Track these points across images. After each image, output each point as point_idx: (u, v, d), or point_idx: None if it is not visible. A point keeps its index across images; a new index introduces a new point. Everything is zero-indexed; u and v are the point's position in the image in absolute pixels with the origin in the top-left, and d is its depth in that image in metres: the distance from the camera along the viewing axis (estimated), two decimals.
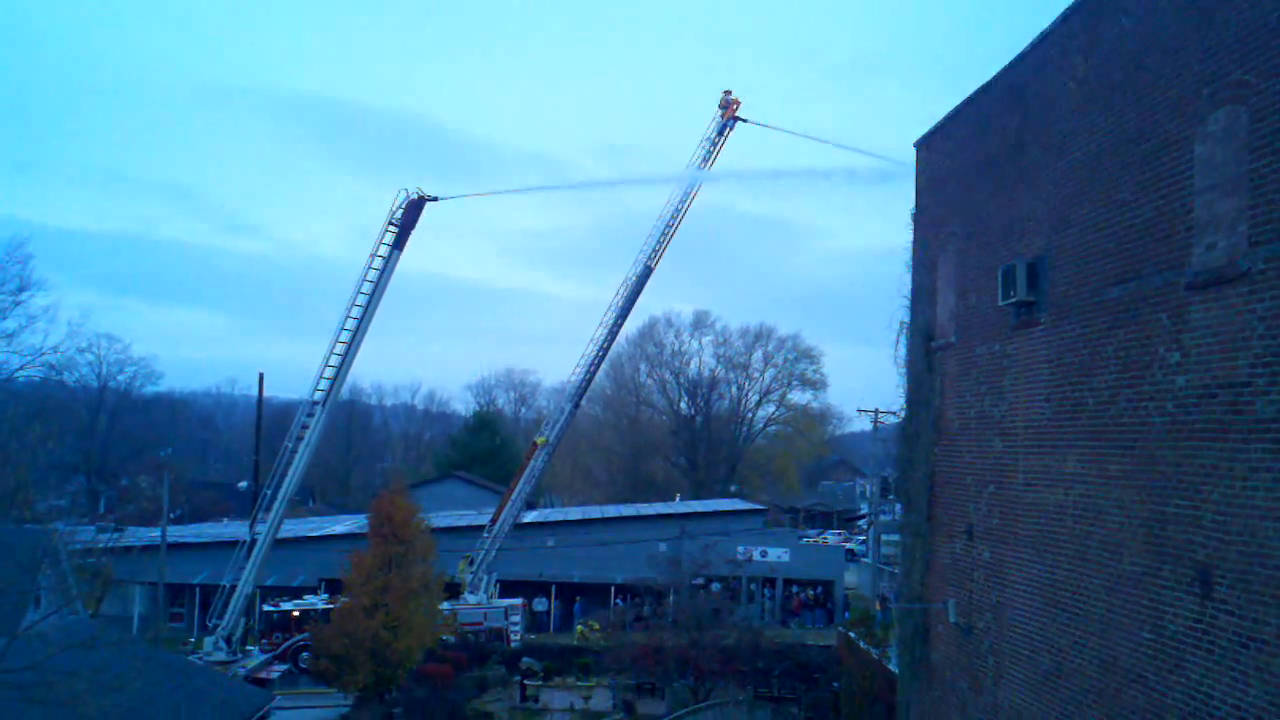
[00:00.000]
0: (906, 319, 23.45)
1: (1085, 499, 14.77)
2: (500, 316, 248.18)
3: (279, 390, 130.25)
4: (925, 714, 21.43)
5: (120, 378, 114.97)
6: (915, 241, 22.91)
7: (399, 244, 47.26)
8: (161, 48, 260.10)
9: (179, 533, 68.67)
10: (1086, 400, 14.77)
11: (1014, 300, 16.81)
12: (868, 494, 69.64)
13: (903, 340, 23.68)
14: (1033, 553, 16.48)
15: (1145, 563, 13.13)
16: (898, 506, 27.13)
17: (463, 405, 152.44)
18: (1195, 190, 12.38)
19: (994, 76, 18.57)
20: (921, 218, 22.68)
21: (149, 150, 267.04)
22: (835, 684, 40.30)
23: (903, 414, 24.04)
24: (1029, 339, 16.84)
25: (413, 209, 47.19)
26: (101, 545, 52.86)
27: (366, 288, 46.96)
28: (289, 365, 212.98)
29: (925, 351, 21.83)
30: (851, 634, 40.53)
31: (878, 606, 48.59)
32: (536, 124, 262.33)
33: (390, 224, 47.09)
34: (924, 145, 22.48)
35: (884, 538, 54.89)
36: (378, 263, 47.01)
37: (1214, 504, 11.79)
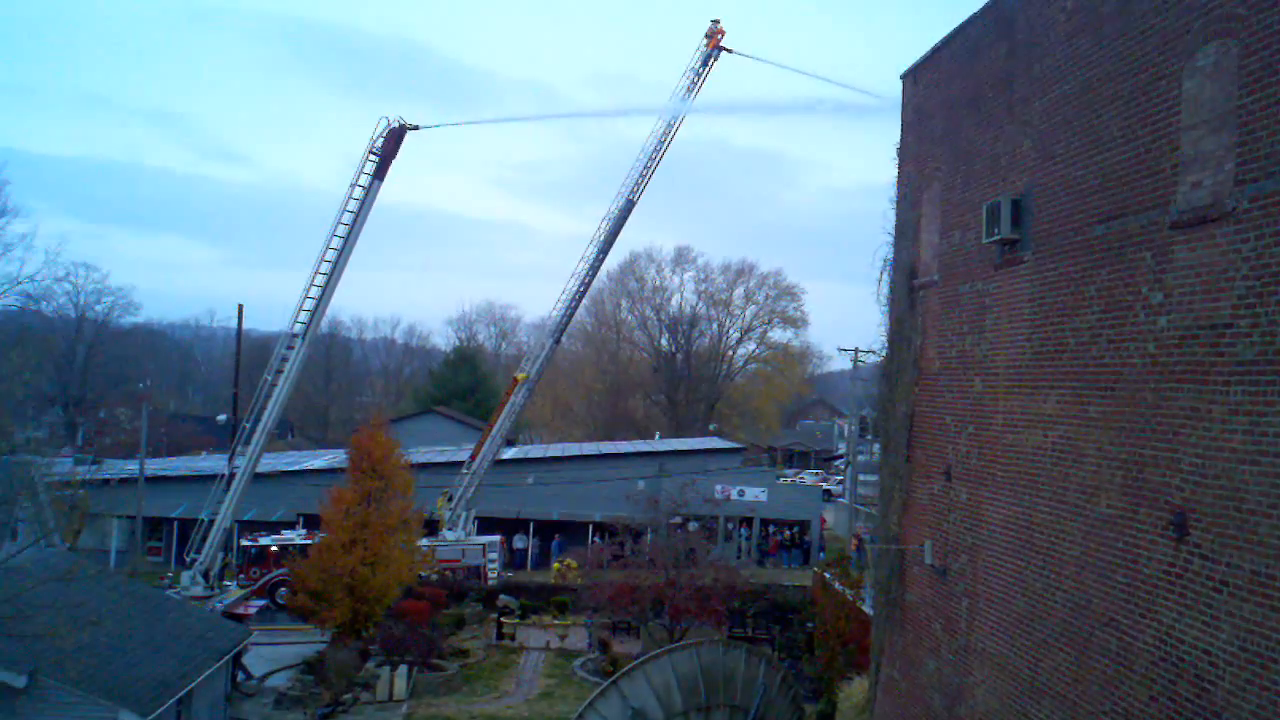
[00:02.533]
0: (890, 256, 23.19)
1: (1064, 441, 14.63)
2: (486, 249, 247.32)
3: (260, 323, 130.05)
4: (898, 655, 21.44)
5: (98, 308, 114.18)
6: (900, 177, 22.59)
7: (379, 174, 46.68)
8: None
9: (157, 465, 68.42)
10: (1068, 340, 14.57)
11: (998, 238, 16.56)
12: (846, 434, 69.64)
13: (885, 278, 23.43)
14: (1010, 494, 16.36)
15: (1122, 506, 13.01)
16: (875, 447, 27.04)
17: (443, 340, 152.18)
18: (1182, 126, 12.10)
19: (982, 6, 18.18)
20: (906, 152, 22.34)
21: (136, 75, 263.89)
22: (810, 624, 40.52)
23: (883, 353, 23.87)
24: (1012, 277, 16.62)
25: (393, 138, 46.56)
26: (79, 477, 52.77)
27: (346, 218, 46.40)
28: (271, 297, 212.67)
29: (908, 289, 21.60)
30: (826, 574, 40.68)
31: (853, 547, 48.80)
32: (531, 52, 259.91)
33: (371, 153, 46.47)
34: (910, 77, 22.08)
35: (861, 478, 54.93)
36: (358, 193, 46.43)
37: (1192, 447, 11.63)
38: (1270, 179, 10.55)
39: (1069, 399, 14.50)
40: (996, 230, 16.50)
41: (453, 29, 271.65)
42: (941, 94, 20.23)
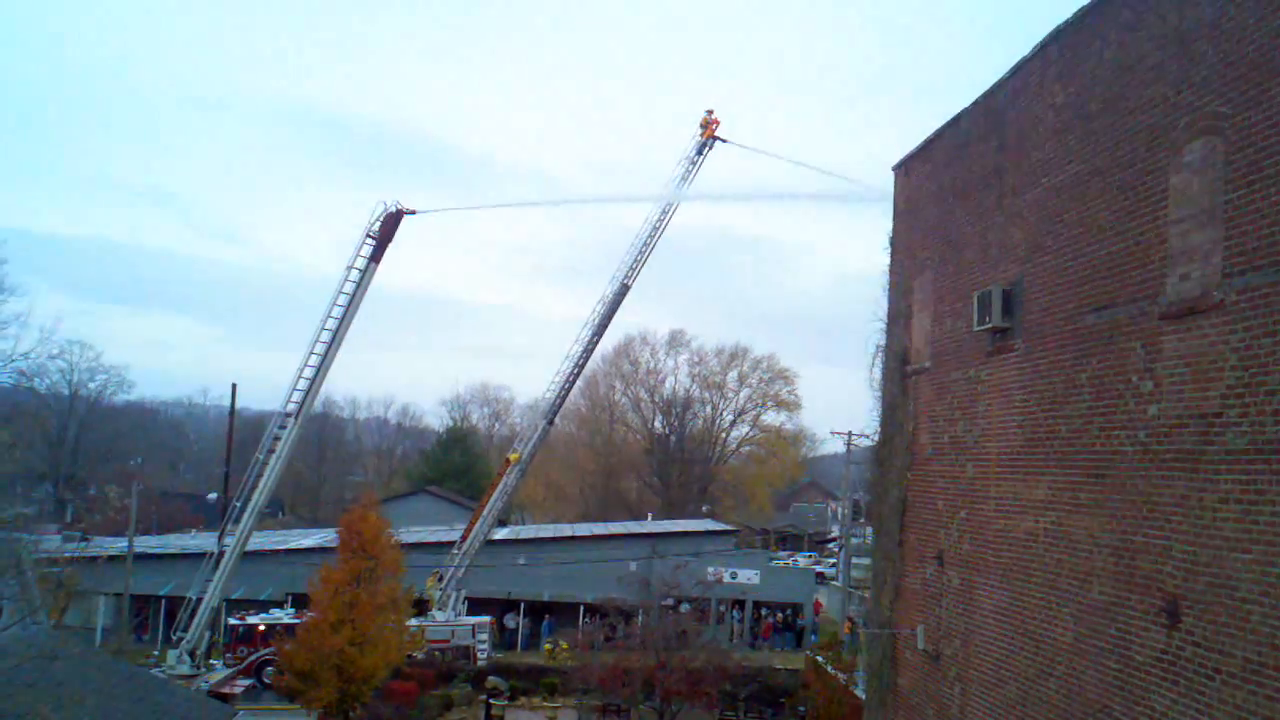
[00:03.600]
0: (882, 342, 23.42)
1: (1055, 527, 14.72)
2: (482, 331, 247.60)
3: (253, 401, 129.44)
4: None
5: (91, 385, 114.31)
6: (892, 265, 22.90)
7: (375, 256, 47.17)
8: (151, 52, 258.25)
9: (146, 543, 67.94)
10: (1059, 427, 14.73)
11: (989, 325, 16.78)
12: (839, 516, 69.63)
13: (878, 363, 23.67)
14: (1002, 580, 16.41)
15: (1114, 592, 13.08)
16: (869, 530, 27.08)
17: (436, 420, 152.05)
18: (1170, 220, 12.37)
19: (973, 102, 18.58)
20: (898, 241, 22.67)
21: (138, 156, 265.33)
22: (801, 708, 40.20)
23: (876, 437, 24.01)
24: (1003, 365, 16.81)
25: (390, 222, 47.12)
26: (67, 554, 52.49)
27: (342, 300, 46.83)
28: (265, 377, 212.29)
29: (900, 375, 21.80)
30: (819, 658, 40.49)
31: (846, 630, 48.56)
32: (531, 139, 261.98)
33: (368, 236, 47.02)
34: (902, 169, 22.48)
35: (855, 560, 54.85)
36: (354, 275, 46.91)
37: (1183, 534, 11.74)
38: (1257, 272, 10.78)
39: (1060, 485, 14.62)
40: (988, 318, 16.73)
41: (453, 115, 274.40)
42: (933, 185, 20.60)
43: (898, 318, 22.27)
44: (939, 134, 20.28)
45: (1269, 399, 10.47)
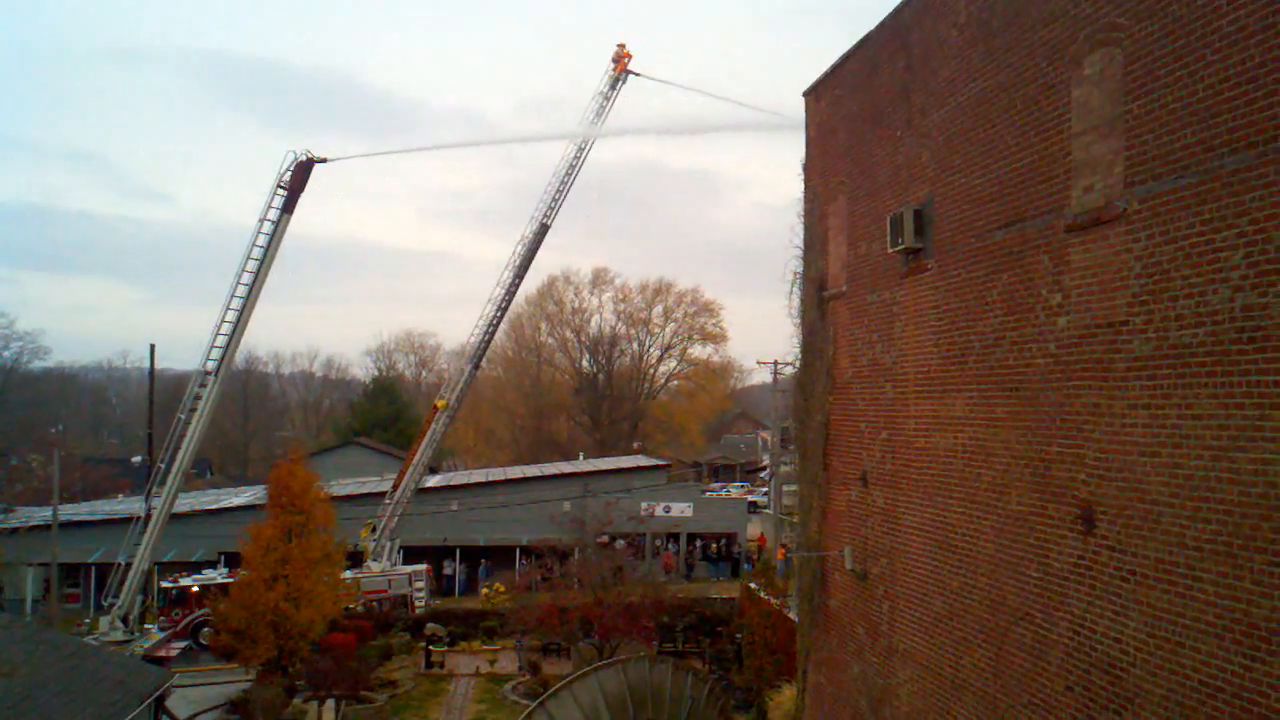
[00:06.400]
0: (800, 269, 23.50)
1: (973, 442, 14.95)
2: (414, 279, 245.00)
3: (177, 361, 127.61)
4: (824, 661, 21.67)
5: (6, 353, 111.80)
6: (806, 191, 22.94)
7: (288, 207, 46.43)
8: (68, 5, 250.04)
9: (72, 511, 66.94)
10: (973, 344, 14.91)
11: (902, 247, 16.90)
12: (769, 445, 70.28)
13: (796, 291, 23.74)
14: (924, 497, 16.66)
15: (1032, 502, 13.33)
16: (795, 459, 27.35)
17: (362, 371, 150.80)
18: (1073, 133, 12.48)
19: (879, 23, 18.58)
20: (811, 167, 22.70)
21: (55, 116, 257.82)
22: (738, 635, 40.72)
23: (798, 365, 24.16)
24: (917, 285, 16.96)
25: (301, 171, 46.38)
26: None
27: (257, 253, 46.12)
28: (192, 337, 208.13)
29: (818, 301, 21.92)
30: (753, 585, 40.97)
31: (779, 557, 49.17)
32: (461, 80, 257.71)
33: (279, 186, 46.24)
34: (813, 94, 22.45)
35: (785, 488, 55.43)
36: (267, 227, 46.15)
37: (1095, 442, 11.97)
38: (1157, 180, 10.93)
39: (976, 401, 14.83)
40: (900, 240, 16.84)
41: (381, 60, 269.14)
42: (843, 109, 20.60)
43: (814, 244, 22.36)
44: (847, 57, 20.26)
45: (1172, 305, 10.65)
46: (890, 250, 17.34)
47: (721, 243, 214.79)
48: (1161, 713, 10.75)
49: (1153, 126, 11.06)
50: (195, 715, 38.31)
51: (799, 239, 23.44)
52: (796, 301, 23.72)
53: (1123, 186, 11.50)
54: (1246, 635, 9.65)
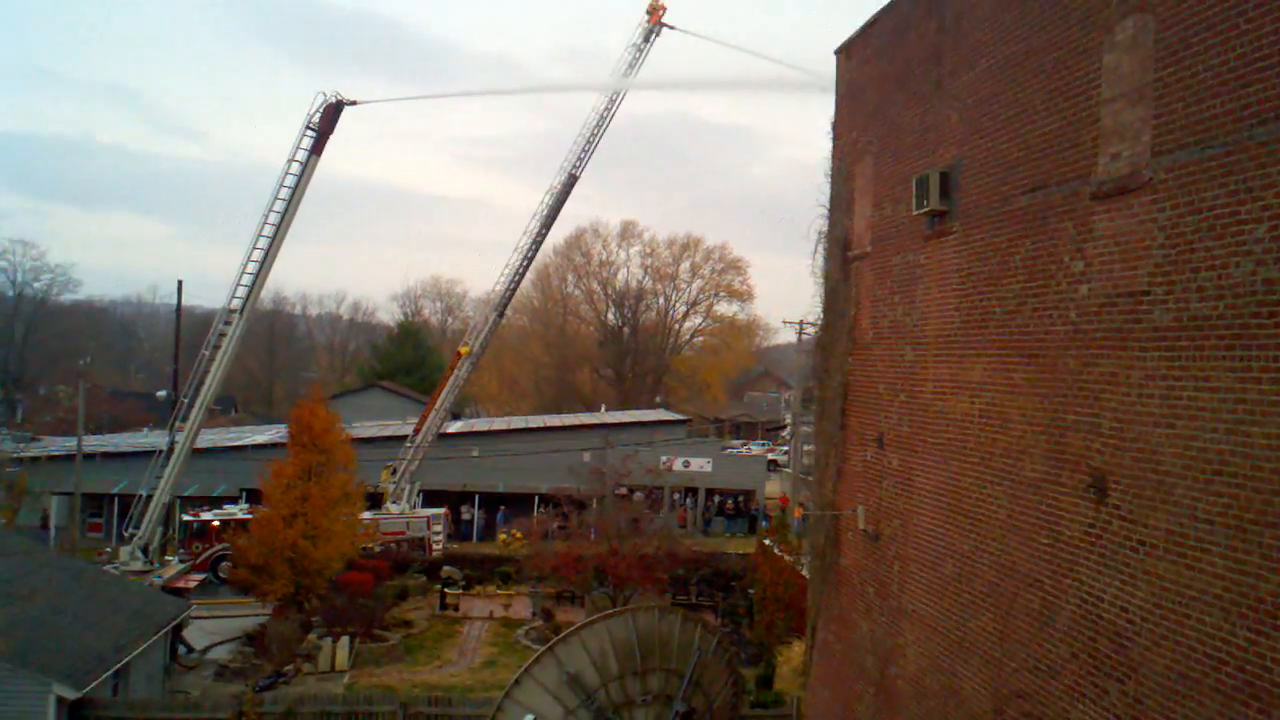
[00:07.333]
0: (825, 229, 23.41)
1: (990, 407, 14.93)
2: (439, 225, 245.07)
3: (207, 299, 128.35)
4: (833, 619, 21.79)
5: (36, 285, 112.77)
6: (834, 150, 22.79)
7: (316, 149, 46.55)
8: None
9: (97, 442, 67.74)
10: (994, 309, 14.86)
11: (927, 209, 16.80)
12: (791, 404, 70.29)
13: (821, 250, 23.66)
14: (939, 460, 16.68)
15: (1045, 469, 13.33)
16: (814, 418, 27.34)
17: (388, 316, 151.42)
18: (1102, 99, 12.36)
19: None
20: (840, 126, 22.54)
21: (90, 49, 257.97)
22: (751, 591, 40.97)
23: (820, 324, 24.12)
24: (941, 248, 16.88)
25: (330, 113, 46.47)
26: (17, 454, 52.19)
27: (284, 193, 46.28)
28: (222, 274, 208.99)
29: (842, 261, 21.85)
30: (768, 541, 41.16)
31: (796, 516, 49.33)
32: (498, 25, 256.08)
33: (308, 128, 46.35)
34: (844, 53, 22.26)
35: (805, 448, 55.50)
36: (295, 168, 46.27)
37: (1111, 411, 11.94)
38: (1184, 150, 10.83)
39: (995, 366, 14.80)
40: (926, 202, 16.74)
41: (419, 2, 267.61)
42: (873, 69, 20.44)
43: (840, 204, 22.25)
44: (879, 16, 20.06)
45: (1193, 276, 10.58)
46: (915, 212, 17.24)
47: (753, 199, 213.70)
48: (1166, 683, 10.79)
49: (1182, 94, 10.94)
50: (211, 646, 38.95)
51: (825, 199, 23.35)
52: (820, 261, 23.65)
53: (1149, 155, 11.41)
54: (1253, 609, 9.65)
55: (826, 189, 23.31)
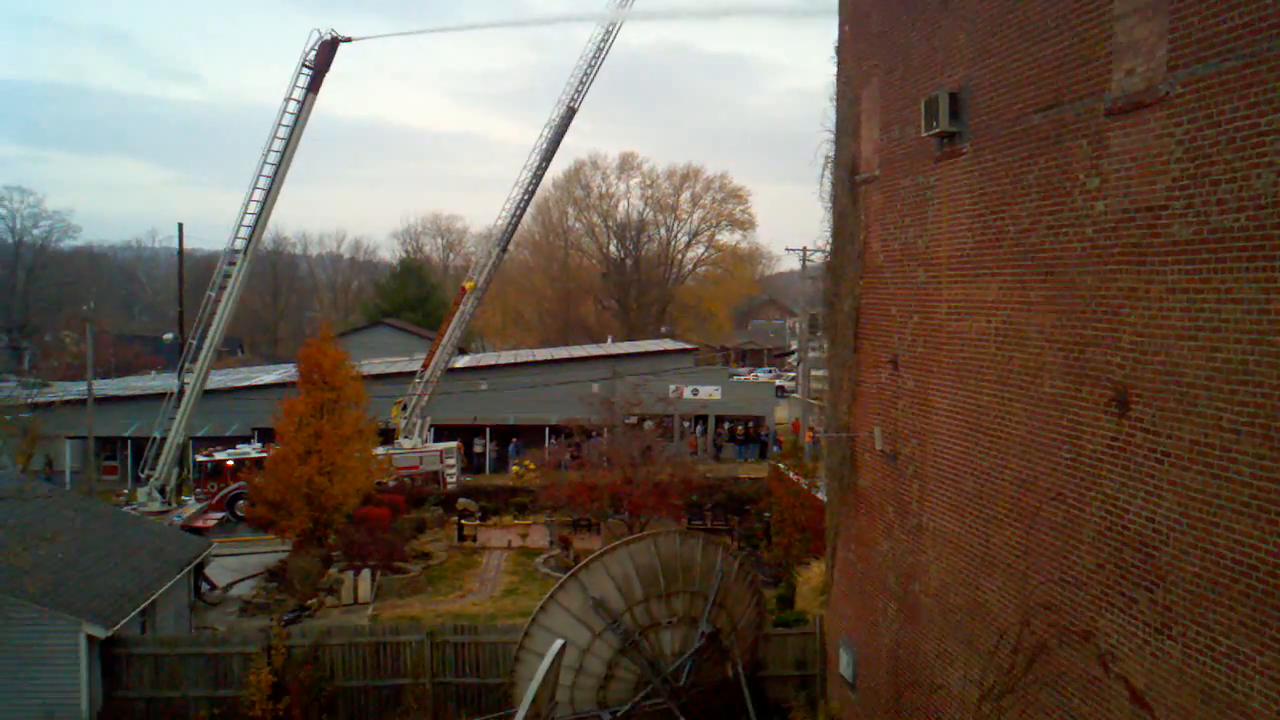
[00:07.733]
0: (831, 154, 23.39)
1: (1006, 325, 15.06)
2: (441, 162, 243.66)
3: (206, 242, 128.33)
4: (853, 539, 22.10)
5: (35, 232, 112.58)
6: (839, 74, 22.72)
7: (313, 87, 46.34)
8: None
9: (107, 386, 68.08)
10: (1008, 228, 14.93)
11: (937, 131, 16.80)
12: (797, 331, 70.41)
13: (827, 175, 23.66)
14: (955, 379, 16.83)
15: (1064, 385, 13.48)
16: (825, 343, 27.54)
17: (390, 253, 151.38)
18: (1115, 15, 12.34)
19: None
20: (845, 50, 22.45)
21: None
22: (766, 514, 41.37)
23: (828, 249, 24.18)
24: (952, 169, 16.91)
25: (325, 50, 46.20)
26: (26, 400, 52.42)
27: (282, 132, 46.17)
28: (223, 216, 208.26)
29: (849, 186, 21.87)
30: (781, 465, 41.49)
31: (808, 439, 49.67)
32: None
33: (304, 66, 46.07)
34: None
35: (812, 373, 55.74)
36: (292, 107, 46.11)
37: (1131, 326, 12.06)
38: (1202, 63, 10.85)
39: (1010, 285, 14.91)
40: (935, 123, 16.74)
41: None
42: None
43: (846, 128, 22.22)
44: None
45: (1213, 190, 10.65)
46: (924, 134, 17.24)
47: (752, 130, 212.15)
48: (1194, 590, 10.99)
49: (1198, 8, 10.93)
50: (234, 582, 39.46)
51: (831, 124, 23.30)
52: (827, 186, 23.66)
53: (1165, 70, 11.42)
54: None
55: (831, 114, 23.27)
